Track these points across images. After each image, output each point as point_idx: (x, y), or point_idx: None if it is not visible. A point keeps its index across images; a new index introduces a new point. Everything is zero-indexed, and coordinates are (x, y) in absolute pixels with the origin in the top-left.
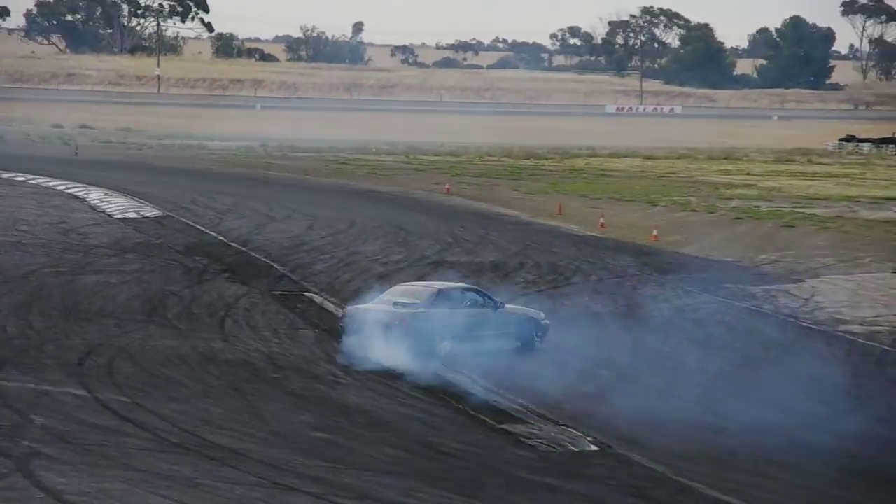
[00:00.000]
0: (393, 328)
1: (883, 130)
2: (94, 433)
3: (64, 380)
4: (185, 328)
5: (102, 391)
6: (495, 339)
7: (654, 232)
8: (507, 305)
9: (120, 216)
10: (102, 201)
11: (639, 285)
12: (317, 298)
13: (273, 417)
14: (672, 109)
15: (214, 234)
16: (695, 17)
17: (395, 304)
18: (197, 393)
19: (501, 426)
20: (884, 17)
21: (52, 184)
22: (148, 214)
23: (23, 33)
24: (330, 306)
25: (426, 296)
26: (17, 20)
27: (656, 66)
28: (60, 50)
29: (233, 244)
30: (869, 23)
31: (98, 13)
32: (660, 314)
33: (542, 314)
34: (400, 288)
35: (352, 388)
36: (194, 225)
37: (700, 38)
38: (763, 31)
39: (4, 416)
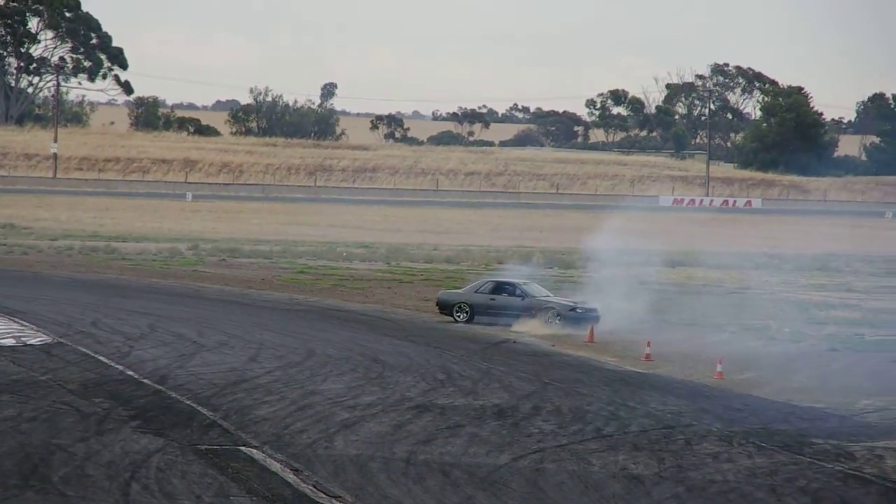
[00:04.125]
0: None
1: None
2: None
3: None
4: (75, 496)
5: None
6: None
7: (719, 367)
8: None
9: None
10: None
11: (694, 439)
12: (257, 455)
13: None
14: (749, 203)
15: (122, 367)
16: (784, 80)
17: None
18: None
19: None
20: None
21: None
22: (31, 341)
23: None
24: (275, 466)
25: None
26: None
27: (729, 144)
28: None
29: (146, 381)
30: None
31: None
32: (722, 478)
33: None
34: None
35: None
36: (94, 355)
37: (791, 107)
38: (876, 99)
39: None
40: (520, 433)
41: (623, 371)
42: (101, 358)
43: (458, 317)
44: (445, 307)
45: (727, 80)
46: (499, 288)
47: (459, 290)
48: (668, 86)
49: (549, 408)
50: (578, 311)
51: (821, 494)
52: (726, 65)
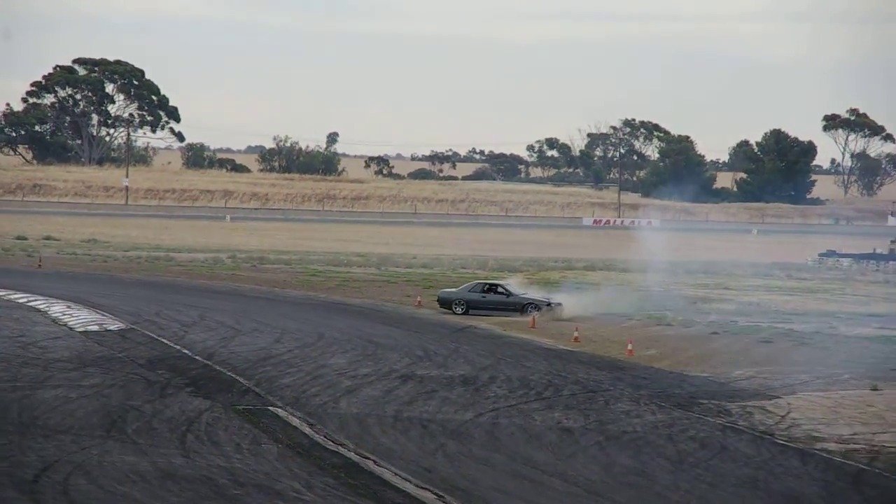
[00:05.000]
0: None
1: (864, 246)
2: None
3: (18, 498)
4: (144, 443)
5: None
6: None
7: (629, 346)
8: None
9: (82, 329)
10: (64, 314)
11: (611, 400)
12: (281, 413)
13: None
14: (650, 223)
15: (178, 347)
16: (675, 130)
17: None
18: None
19: None
20: (866, 132)
21: (13, 296)
22: (111, 327)
23: None
24: (295, 421)
25: None
26: None
27: (635, 178)
28: (27, 161)
29: (197, 358)
30: (851, 137)
31: (67, 123)
32: (632, 429)
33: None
34: None
35: None
36: (158, 338)
37: (680, 150)
38: (743, 145)
39: None
40: (480, 396)
41: (557, 349)
42: (162, 340)
43: (457, 311)
44: (445, 303)
45: (633, 130)
46: (488, 288)
47: (456, 290)
48: (588, 135)
49: (502, 377)
50: (552, 304)
51: (706, 441)
52: (633, 119)
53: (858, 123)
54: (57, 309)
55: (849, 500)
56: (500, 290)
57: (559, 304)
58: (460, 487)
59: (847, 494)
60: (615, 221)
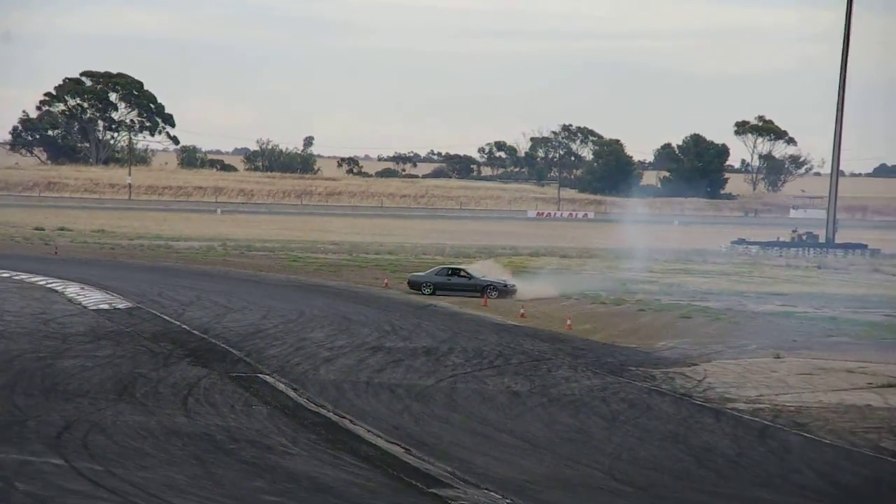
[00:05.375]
0: None
1: (769, 235)
2: (71, 498)
3: (44, 451)
4: (151, 405)
5: (78, 461)
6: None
7: (568, 321)
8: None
9: (94, 308)
10: (79, 294)
11: (553, 368)
12: (269, 379)
13: (229, 483)
14: (585, 215)
15: (178, 323)
16: (608, 134)
17: None
18: (162, 462)
19: (431, 490)
20: (772, 136)
21: (33, 279)
22: (119, 306)
23: (8, 146)
24: (281, 386)
25: None
26: (2, 135)
27: (572, 176)
28: (42, 161)
29: (195, 332)
30: (759, 140)
31: (76, 129)
32: (571, 392)
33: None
34: None
35: (300, 458)
36: (160, 315)
37: (611, 152)
38: (666, 147)
39: None
40: (440, 365)
41: (507, 324)
42: (164, 317)
43: (425, 291)
44: (415, 285)
45: (570, 135)
46: (452, 272)
47: (424, 274)
48: (532, 138)
49: (459, 348)
50: (508, 286)
51: (634, 402)
52: (570, 125)
53: (765, 129)
54: (72, 290)
55: (755, 451)
56: (462, 273)
57: (514, 286)
58: (424, 442)
59: (753, 446)
60: (555, 214)
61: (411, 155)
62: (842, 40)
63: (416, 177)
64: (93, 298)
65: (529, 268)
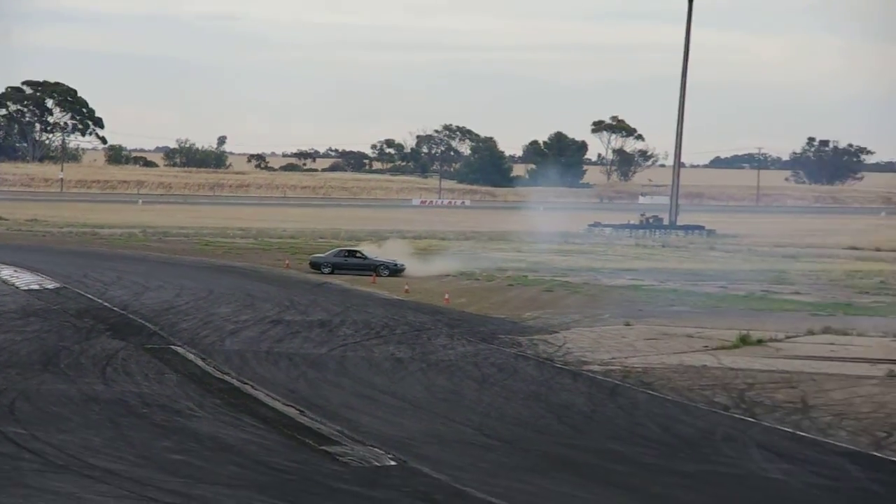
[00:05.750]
0: None
1: (621, 219)
2: None
3: None
4: (73, 375)
5: (5, 425)
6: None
7: (447, 296)
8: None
9: (25, 288)
10: (12, 277)
11: (432, 337)
12: (180, 350)
13: (140, 444)
14: (463, 203)
15: (101, 301)
16: (483, 132)
17: None
18: (80, 425)
19: (322, 447)
20: (623, 133)
21: None
22: (48, 286)
23: None
24: (191, 356)
25: None
26: None
27: (452, 169)
28: None
29: (115, 309)
30: (612, 137)
31: (16, 130)
32: (448, 358)
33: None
34: None
35: (205, 420)
36: (85, 294)
37: (486, 148)
38: (534, 143)
39: None
40: (332, 335)
41: (392, 299)
42: (88, 295)
43: (324, 271)
44: (316, 266)
45: (450, 133)
46: (349, 253)
47: (323, 255)
48: (417, 136)
49: (350, 321)
50: (398, 265)
51: (502, 366)
52: (451, 124)
53: (618, 127)
54: (5, 273)
55: (606, 407)
56: (357, 255)
57: (403, 266)
58: (317, 404)
59: (605, 403)
60: (436, 202)
61: (312, 151)
62: (682, 52)
63: (316, 170)
64: (24, 280)
65: (430, 250)
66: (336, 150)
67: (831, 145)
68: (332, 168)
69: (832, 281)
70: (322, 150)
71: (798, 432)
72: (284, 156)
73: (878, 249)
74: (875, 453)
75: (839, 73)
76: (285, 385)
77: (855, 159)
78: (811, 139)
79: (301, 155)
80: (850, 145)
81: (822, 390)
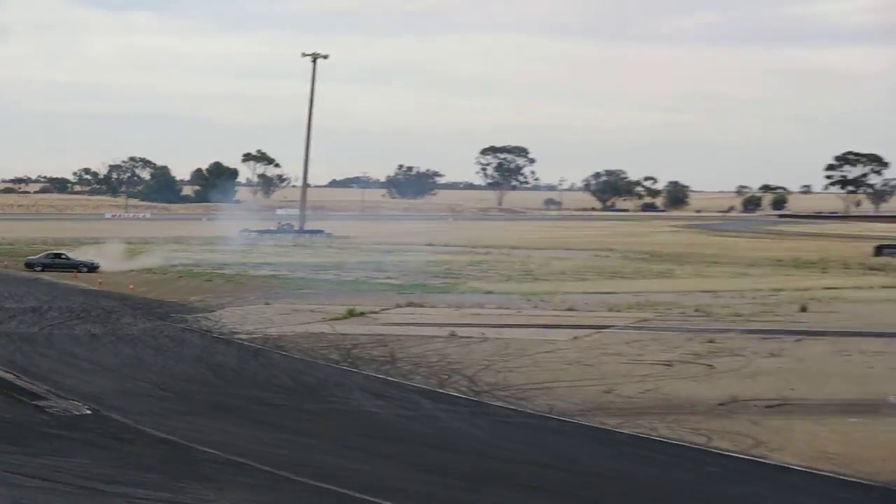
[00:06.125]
0: None
1: (264, 226)
2: None
3: None
4: None
5: None
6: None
7: (131, 286)
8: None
9: None
10: None
11: (120, 317)
12: None
13: None
14: (145, 216)
15: None
16: (159, 162)
17: None
18: None
19: (33, 402)
20: (266, 162)
21: None
22: None
23: None
24: None
25: None
26: None
27: (136, 190)
28: None
29: None
30: (257, 165)
31: None
32: (132, 333)
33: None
34: None
35: None
36: None
37: (162, 174)
38: (198, 170)
39: None
40: (43, 318)
41: (90, 290)
42: None
43: (37, 269)
44: (30, 265)
45: (135, 162)
46: (57, 255)
47: (36, 257)
48: (110, 165)
49: (56, 307)
50: (94, 264)
51: (174, 337)
52: (135, 156)
53: (262, 157)
54: None
55: (251, 365)
56: (63, 257)
57: (98, 264)
58: (29, 371)
59: (250, 362)
60: (124, 215)
61: (25, 178)
62: (308, 101)
63: (28, 192)
64: None
65: (126, 252)
66: (46, 177)
67: (415, 170)
68: (42, 191)
69: (414, 268)
70: (34, 176)
71: (388, 378)
72: (3, 181)
73: (446, 245)
74: (440, 390)
75: (417, 116)
76: (4, 357)
77: (431, 180)
78: (401, 165)
79: (16, 181)
80: (428, 170)
81: (404, 347)
